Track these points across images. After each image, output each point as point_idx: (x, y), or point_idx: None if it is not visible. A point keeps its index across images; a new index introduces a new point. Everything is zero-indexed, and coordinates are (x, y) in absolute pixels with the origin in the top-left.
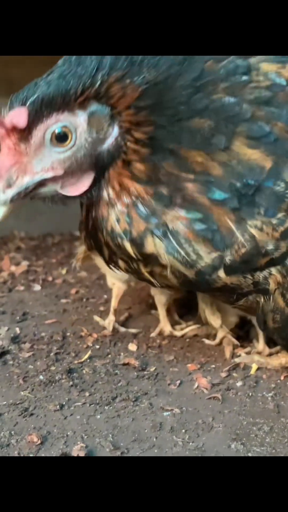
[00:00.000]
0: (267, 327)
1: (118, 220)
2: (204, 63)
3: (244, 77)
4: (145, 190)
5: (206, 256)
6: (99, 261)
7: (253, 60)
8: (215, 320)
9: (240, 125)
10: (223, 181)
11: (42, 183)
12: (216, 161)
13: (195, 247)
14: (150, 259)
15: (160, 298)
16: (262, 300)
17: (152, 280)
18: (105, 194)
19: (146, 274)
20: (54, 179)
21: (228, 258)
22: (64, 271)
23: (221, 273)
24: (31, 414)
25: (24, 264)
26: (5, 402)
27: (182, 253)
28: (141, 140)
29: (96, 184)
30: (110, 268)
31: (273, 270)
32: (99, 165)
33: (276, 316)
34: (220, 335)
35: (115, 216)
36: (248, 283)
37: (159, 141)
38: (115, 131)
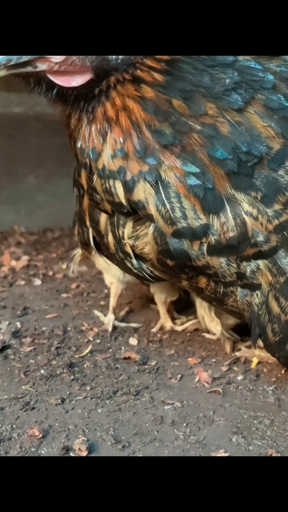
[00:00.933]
0: (267, 341)
1: (113, 156)
2: None
3: None
4: (147, 120)
5: (191, 217)
6: (97, 261)
7: None
8: (214, 327)
9: (260, 91)
10: (229, 141)
11: (36, 60)
12: (227, 118)
13: (182, 203)
14: (137, 207)
15: (160, 296)
16: (255, 303)
17: (130, 251)
18: (100, 110)
19: (128, 246)
20: (50, 61)
21: (213, 238)
22: (64, 266)
23: (203, 247)
24: (33, 408)
25: (25, 258)
26: (6, 396)
27: (168, 207)
28: (161, 60)
29: (92, 96)
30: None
31: (261, 264)
32: (102, 69)
33: (274, 326)
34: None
35: (110, 151)
36: (232, 272)
37: (180, 72)
38: None
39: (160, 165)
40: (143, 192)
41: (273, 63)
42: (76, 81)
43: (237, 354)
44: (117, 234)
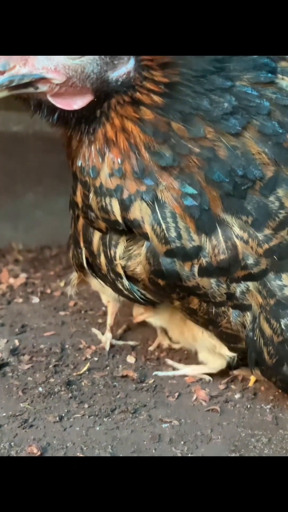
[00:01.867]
0: (264, 365)
1: (110, 175)
2: None
3: (270, 76)
4: (147, 142)
5: (185, 238)
6: (92, 282)
7: (283, 63)
8: (214, 361)
9: (256, 117)
10: (226, 164)
11: (37, 81)
12: (224, 142)
13: (178, 223)
14: (133, 225)
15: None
16: (248, 326)
17: (121, 271)
18: (101, 131)
19: (119, 266)
20: (51, 83)
21: (205, 260)
22: (62, 283)
23: (194, 269)
24: (31, 426)
25: (23, 276)
26: (4, 414)
27: (163, 226)
28: (160, 83)
29: (93, 117)
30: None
31: (251, 285)
32: (103, 91)
33: (270, 348)
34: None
35: (108, 170)
36: (221, 292)
37: (179, 95)
38: (131, 62)
39: (157, 185)
40: (139, 211)
41: (269, 89)
42: (77, 103)
43: (235, 372)
44: (109, 254)
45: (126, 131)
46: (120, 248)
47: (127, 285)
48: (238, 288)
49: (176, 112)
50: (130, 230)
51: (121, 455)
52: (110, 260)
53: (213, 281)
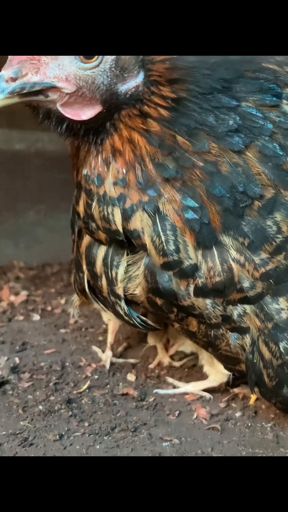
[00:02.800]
0: (264, 387)
1: (114, 184)
2: (244, 71)
3: (275, 99)
4: (152, 153)
5: (183, 252)
6: (94, 302)
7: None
8: (216, 374)
9: (259, 138)
10: (227, 180)
11: (48, 89)
12: (227, 158)
13: (177, 236)
14: (132, 236)
15: (156, 338)
16: (247, 349)
17: (121, 293)
18: (109, 142)
19: (120, 288)
20: (61, 92)
21: (200, 281)
22: (63, 301)
23: (190, 288)
24: (31, 444)
25: (23, 293)
26: (4, 432)
27: (163, 238)
28: (168, 98)
29: (102, 129)
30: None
31: (248, 308)
32: (111, 102)
33: (269, 371)
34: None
35: (112, 179)
36: (217, 314)
37: (186, 110)
38: (140, 76)
39: (159, 197)
40: (140, 222)
41: (273, 113)
42: (86, 114)
43: (235, 390)
44: (110, 275)
45: (133, 142)
46: (121, 269)
47: (125, 308)
48: (235, 311)
49: (182, 126)
50: (129, 242)
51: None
52: (111, 281)
53: (208, 302)
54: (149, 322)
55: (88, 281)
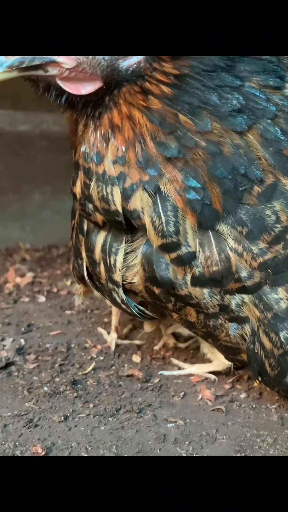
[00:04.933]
0: (266, 376)
1: (114, 162)
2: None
3: (278, 81)
4: (153, 131)
5: (182, 235)
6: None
7: None
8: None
9: (261, 121)
10: (229, 161)
11: (48, 64)
12: (229, 139)
13: (178, 218)
14: (132, 216)
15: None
16: (248, 339)
17: (119, 279)
18: (107, 117)
19: (118, 274)
20: (61, 67)
21: (197, 270)
22: (68, 283)
23: (187, 278)
24: (36, 425)
25: (29, 275)
26: (9, 413)
27: (163, 219)
28: (170, 75)
29: (101, 103)
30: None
31: (246, 298)
32: (112, 78)
33: (271, 360)
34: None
35: (112, 157)
36: (214, 303)
37: (189, 87)
38: None
39: (160, 177)
40: (140, 202)
41: (276, 96)
42: (86, 89)
43: (240, 372)
44: (108, 262)
45: (132, 119)
46: (120, 256)
47: (123, 297)
48: (233, 301)
49: (184, 104)
50: (128, 224)
51: (125, 455)
52: (109, 268)
53: (206, 291)
54: (147, 311)
55: (87, 268)
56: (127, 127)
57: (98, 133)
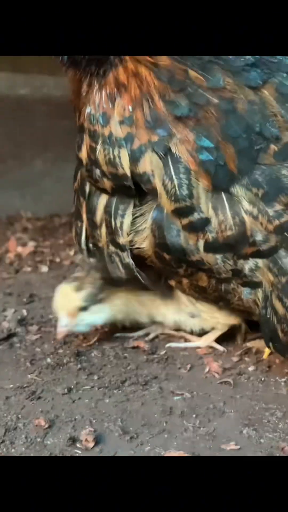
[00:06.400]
0: (278, 342)
1: (121, 123)
2: None
3: None
4: (161, 89)
5: (196, 198)
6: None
7: None
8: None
9: (276, 75)
10: (243, 119)
11: None
12: (243, 95)
13: (191, 180)
14: (141, 180)
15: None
16: (260, 304)
17: (126, 242)
18: (112, 74)
19: (126, 238)
20: None
21: (211, 235)
22: (71, 252)
23: (199, 243)
24: (39, 398)
25: (31, 245)
26: (12, 385)
27: (175, 182)
28: None
29: (105, 59)
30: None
31: (260, 262)
32: None
33: (283, 326)
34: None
35: (118, 117)
36: (227, 269)
37: None
38: None
39: (171, 137)
40: (150, 164)
41: None
42: None
43: (248, 344)
44: (113, 224)
45: (139, 76)
46: (127, 218)
47: (127, 261)
48: (246, 265)
49: (194, 59)
50: (137, 188)
51: (131, 428)
52: (114, 231)
53: (218, 257)
54: (146, 279)
55: (85, 230)
56: (134, 86)
57: (104, 92)
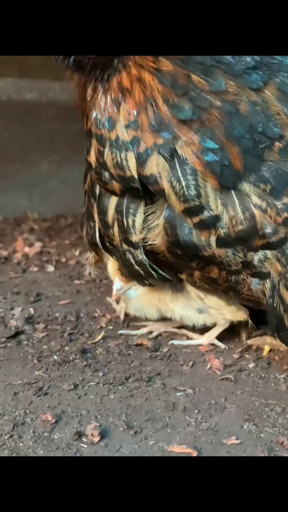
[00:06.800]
0: (285, 331)
1: (127, 127)
2: None
3: None
4: (165, 94)
5: (204, 197)
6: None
7: None
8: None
9: (277, 75)
10: (246, 120)
11: None
12: (245, 96)
13: (198, 181)
14: (148, 182)
15: None
16: (268, 293)
17: (139, 240)
18: (116, 79)
19: (138, 236)
20: None
21: (223, 231)
22: (77, 252)
23: (211, 239)
24: (46, 394)
25: (38, 245)
26: (20, 382)
27: (183, 183)
28: None
29: (109, 64)
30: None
31: (269, 253)
32: None
33: None
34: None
35: (124, 121)
36: (237, 261)
37: None
38: None
39: (176, 140)
40: (156, 166)
41: None
42: None
43: (249, 341)
44: (125, 223)
45: (143, 81)
46: (139, 217)
47: (141, 257)
48: (256, 257)
49: (196, 64)
50: (145, 189)
51: (135, 423)
52: (126, 229)
53: (229, 250)
54: (160, 271)
55: (99, 230)
56: (138, 90)
57: (108, 97)
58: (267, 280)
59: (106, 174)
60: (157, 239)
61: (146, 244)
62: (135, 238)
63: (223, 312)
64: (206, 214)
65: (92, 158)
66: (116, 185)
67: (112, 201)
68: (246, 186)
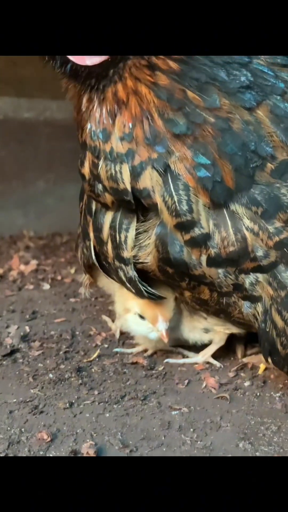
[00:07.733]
0: (277, 356)
1: (121, 139)
2: None
3: (287, 59)
4: (161, 107)
5: (196, 213)
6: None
7: None
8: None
9: (270, 97)
10: (239, 138)
11: None
12: (238, 115)
13: (190, 196)
14: (141, 195)
15: None
16: (260, 317)
17: (130, 256)
18: (111, 90)
19: (130, 250)
20: None
21: (213, 251)
22: (73, 270)
23: (202, 258)
24: (41, 412)
25: (33, 263)
26: (15, 400)
27: (175, 198)
28: None
29: (105, 75)
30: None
31: (260, 277)
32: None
33: (282, 339)
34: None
35: (119, 133)
36: (228, 283)
37: (196, 63)
38: None
39: (169, 154)
40: (150, 180)
41: (285, 72)
42: (91, 60)
43: (244, 360)
44: (117, 238)
45: (139, 94)
46: (131, 232)
47: (131, 274)
48: (247, 280)
49: (192, 80)
50: (138, 204)
51: (130, 442)
52: (118, 245)
53: (220, 271)
54: (152, 291)
55: (94, 248)
56: (134, 103)
57: (104, 109)
58: (258, 303)
59: (100, 186)
60: (148, 257)
61: (137, 261)
62: (126, 254)
63: (228, 327)
64: (197, 231)
65: (86, 170)
66: (108, 198)
67: (108, 217)
68: (238, 208)
